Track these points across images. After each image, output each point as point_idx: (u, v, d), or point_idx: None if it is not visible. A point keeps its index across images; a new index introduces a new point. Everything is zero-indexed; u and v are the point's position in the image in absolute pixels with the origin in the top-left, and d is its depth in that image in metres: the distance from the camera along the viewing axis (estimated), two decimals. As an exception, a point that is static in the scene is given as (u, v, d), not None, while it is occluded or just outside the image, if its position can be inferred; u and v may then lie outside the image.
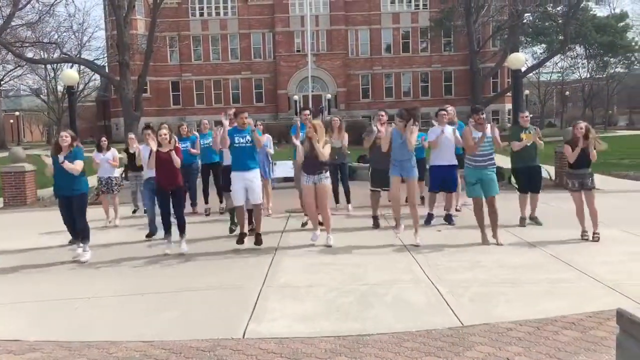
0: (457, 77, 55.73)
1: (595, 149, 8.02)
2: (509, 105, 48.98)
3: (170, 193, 8.11)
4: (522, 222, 9.30)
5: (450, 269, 6.76)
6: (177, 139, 8.96)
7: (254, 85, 56.11)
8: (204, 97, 55.92)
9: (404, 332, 4.81)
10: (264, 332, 4.92)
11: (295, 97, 50.31)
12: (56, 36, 42.40)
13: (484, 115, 8.27)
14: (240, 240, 8.10)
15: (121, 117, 41.25)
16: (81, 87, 51.64)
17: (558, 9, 43.68)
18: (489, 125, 8.13)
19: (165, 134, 8.12)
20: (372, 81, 56.29)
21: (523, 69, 26.65)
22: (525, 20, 45.94)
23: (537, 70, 56.46)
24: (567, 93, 67.52)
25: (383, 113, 9.79)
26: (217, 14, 55.78)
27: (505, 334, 4.70)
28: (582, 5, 41.30)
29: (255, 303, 5.65)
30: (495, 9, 44.87)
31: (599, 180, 14.87)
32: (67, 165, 7.59)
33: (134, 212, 11.31)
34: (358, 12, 55.37)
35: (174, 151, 8.08)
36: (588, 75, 64.54)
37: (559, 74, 66.94)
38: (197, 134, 11.29)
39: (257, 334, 4.88)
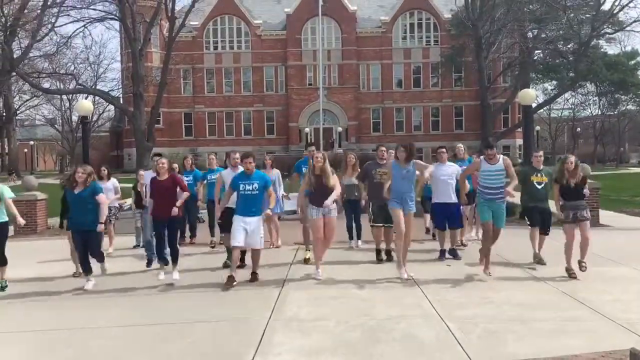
0: (467, 112, 55.91)
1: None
2: (519, 141, 48.95)
3: (166, 222, 8.13)
4: (536, 258, 8.93)
5: (460, 304, 6.66)
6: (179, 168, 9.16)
7: (266, 118, 56.59)
8: (216, 128, 56.40)
9: (411, 368, 4.72)
10: (270, 366, 4.84)
11: (307, 130, 50.69)
12: (72, 67, 43.37)
13: (495, 150, 8.22)
14: (228, 283, 7.65)
15: (134, 147, 41.67)
16: (95, 117, 52.42)
17: (569, 46, 43.98)
18: (501, 158, 8.09)
19: (163, 163, 8.16)
20: (382, 115, 56.58)
21: (534, 105, 26.75)
22: (535, 57, 46.23)
23: (548, 107, 56.58)
24: (579, 129, 67.45)
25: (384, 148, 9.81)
26: (231, 47, 56.59)
27: (515, 372, 4.60)
28: (592, 43, 41.53)
29: (262, 336, 5.58)
30: (506, 46, 45.21)
31: (611, 217, 14.81)
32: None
33: (135, 247, 11.12)
34: (370, 47, 55.97)
35: (174, 179, 8.17)
36: (599, 112, 64.54)
37: (570, 111, 66.99)
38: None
39: (262, 367, 4.81)
